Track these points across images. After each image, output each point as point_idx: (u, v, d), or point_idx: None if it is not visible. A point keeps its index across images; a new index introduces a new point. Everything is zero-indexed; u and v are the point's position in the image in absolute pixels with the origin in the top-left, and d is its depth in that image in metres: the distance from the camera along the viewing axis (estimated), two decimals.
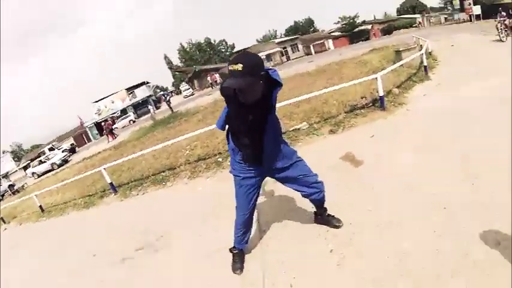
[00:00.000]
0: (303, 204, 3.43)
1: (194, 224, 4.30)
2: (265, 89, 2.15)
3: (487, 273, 2.13)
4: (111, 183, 7.54)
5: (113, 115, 42.64)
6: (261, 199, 3.99)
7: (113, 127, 28.15)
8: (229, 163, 6.28)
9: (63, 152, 27.24)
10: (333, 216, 3.10)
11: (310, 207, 3.28)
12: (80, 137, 42.53)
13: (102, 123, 30.72)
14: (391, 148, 4.71)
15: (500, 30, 13.47)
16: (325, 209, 3.09)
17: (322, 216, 3.12)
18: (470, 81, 7.24)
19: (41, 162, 25.17)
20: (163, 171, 7.33)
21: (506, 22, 13.80)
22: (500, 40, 13.13)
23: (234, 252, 2.99)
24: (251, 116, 2.25)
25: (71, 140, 41.72)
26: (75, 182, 9.71)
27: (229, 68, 1.99)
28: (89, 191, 8.63)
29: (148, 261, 3.85)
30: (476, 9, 27.91)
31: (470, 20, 28.19)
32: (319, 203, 2.98)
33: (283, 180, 2.77)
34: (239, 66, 1.95)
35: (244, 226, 2.86)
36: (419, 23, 44.95)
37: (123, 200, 6.95)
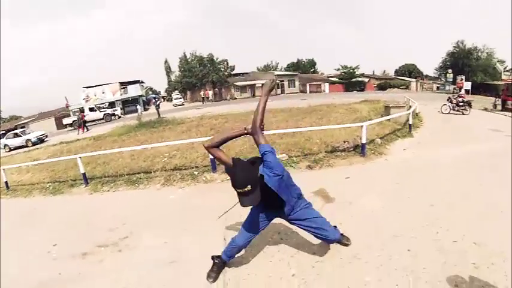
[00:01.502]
0: (271, 227, 3.67)
1: (161, 231, 4.43)
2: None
3: None
4: (83, 174, 7.51)
5: (100, 105, 42.21)
6: (234, 217, 4.24)
7: (85, 120, 27.82)
8: (204, 178, 6.52)
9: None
10: (343, 235, 3.39)
11: (277, 232, 3.68)
12: (62, 119, 41.58)
13: (77, 115, 30.09)
14: (364, 191, 5.09)
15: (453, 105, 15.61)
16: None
17: None
18: (446, 144, 8.32)
19: (16, 135, 24.38)
20: (138, 173, 7.45)
21: (460, 99, 15.83)
22: (462, 113, 15.04)
23: (216, 261, 3.21)
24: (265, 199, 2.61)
25: (52, 120, 40.88)
26: (48, 164, 9.66)
27: (239, 191, 2.37)
28: (60, 177, 8.55)
29: (110, 259, 3.88)
30: (467, 85, 30.30)
31: None
32: (328, 242, 3.28)
33: (292, 223, 3.07)
34: (248, 188, 2.34)
35: (239, 246, 3.09)
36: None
37: (92, 193, 6.94)
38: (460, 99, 15.71)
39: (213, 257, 3.24)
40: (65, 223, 5.43)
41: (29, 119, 44.58)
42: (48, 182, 8.41)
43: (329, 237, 3.05)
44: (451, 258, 3.06)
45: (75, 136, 21.03)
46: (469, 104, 15.36)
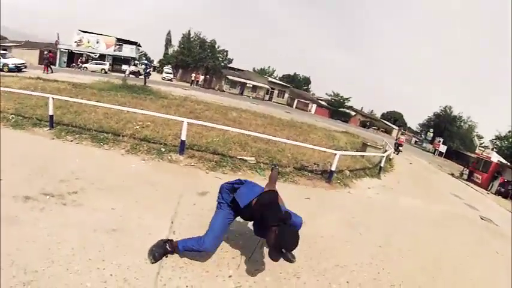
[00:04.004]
0: None
1: (112, 196, 4.35)
2: None
3: None
4: (51, 116, 7.23)
5: (91, 54, 41.01)
6: (187, 204, 4.27)
7: (51, 61, 27.13)
8: (169, 156, 6.52)
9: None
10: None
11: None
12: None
13: (45, 54, 28.41)
14: (320, 216, 5.26)
15: (395, 147, 19.19)
16: None
17: None
18: (409, 195, 8.81)
19: None
20: (107, 133, 7.34)
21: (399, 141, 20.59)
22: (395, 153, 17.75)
23: (167, 246, 3.15)
24: None
25: (36, 52, 39.24)
26: (17, 95, 9.26)
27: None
28: (26, 113, 8.18)
29: (52, 210, 3.70)
30: (443, 148, 32.34)
31: (433, 153, 32.37)
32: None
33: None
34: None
35: (207, 250, 3.04)
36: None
37: (54, 139, 6.69)
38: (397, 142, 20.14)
39: (165, 240, 3.20)
40: (16, 161, 5.10)
41: (14, 44, 42.55)
42: (12, 114, 7.97)
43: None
44: None
45: (53, 76, 20.33)
46: (400, 145, 19.92)
